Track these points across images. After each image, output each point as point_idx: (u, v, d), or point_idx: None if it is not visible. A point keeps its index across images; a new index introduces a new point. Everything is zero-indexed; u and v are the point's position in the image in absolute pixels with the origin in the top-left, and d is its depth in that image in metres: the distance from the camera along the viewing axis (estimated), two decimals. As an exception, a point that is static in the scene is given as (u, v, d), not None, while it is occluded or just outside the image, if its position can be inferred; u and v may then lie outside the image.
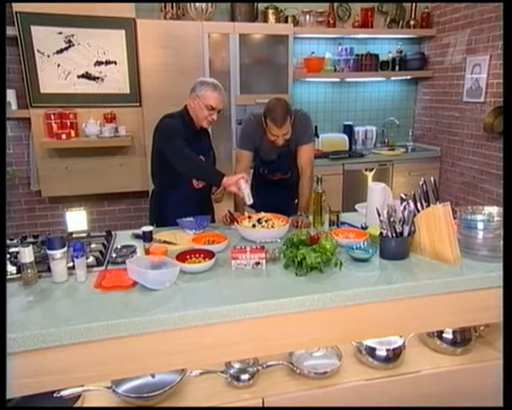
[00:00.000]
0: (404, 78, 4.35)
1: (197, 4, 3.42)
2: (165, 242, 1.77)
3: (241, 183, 1.86)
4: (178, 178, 2.10)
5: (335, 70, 4.01)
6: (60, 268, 1.41)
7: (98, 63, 3.30)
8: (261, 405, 1.44)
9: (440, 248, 1.52)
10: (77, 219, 1.85)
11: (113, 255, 1.63)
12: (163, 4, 3.48)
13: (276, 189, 2.34)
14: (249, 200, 1.88)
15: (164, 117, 2.13)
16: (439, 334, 1.70)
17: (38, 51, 3.14)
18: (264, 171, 2.35)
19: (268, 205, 2.02)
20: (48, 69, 3.19)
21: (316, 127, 4.00)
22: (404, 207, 1.56)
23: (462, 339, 1.69)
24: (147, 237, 1.66)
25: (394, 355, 1.60)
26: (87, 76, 3.30)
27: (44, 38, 3.12)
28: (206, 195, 2.28)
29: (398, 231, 1.56)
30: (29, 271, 1.38)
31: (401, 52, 4.14)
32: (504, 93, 2.16)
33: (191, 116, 2.14)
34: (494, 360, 1.64)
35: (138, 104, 3.44)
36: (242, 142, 2.25)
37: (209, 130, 2.33)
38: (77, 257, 1.41)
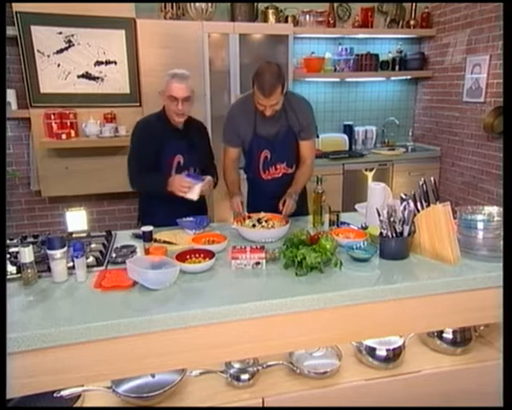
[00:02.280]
0: (404, 78, 4.35)
1: (197, 4, 3.42)
2: (165, 242, 1.77)
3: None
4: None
5: (335, 70, 4.01)
6: (60, 268, 1.41)
7: (98, 63, 3.29)
8: (261, 405, 1.44)
9: (440, 248, 1.52)
10: (77, 219, 1.85)
11: (113, 255, 1.63)
12: (163, 4, 3.47)
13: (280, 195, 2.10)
14: (194, 196, 1.93)
15: (138, 121, 2.12)
16: (439, 334, 1.70)
17: (38, 51, 3.14)
18: (267, 158, 2.16)
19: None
20: (48, 69, 3.19)
21: (316, 127, 4.00)
22: (404, 207, 1.56)
23: (462, 339, 1.69)
24: (147, 237, 1.66)
25: (394, 355, 1.60)
26: (87, 76, 3.29)
27: (44, 38, 3.12)
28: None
29: (398, 231, 1.56)
30: (29, 271, 1.38)
31: (401, 52, 4.15)
32: (504, 93, 2.16)
33: (167, 116, 2.08)
34: (494, 360, 1.64)
35: (138, 104, 3.44)
36: (226, 138, 2.18)
37: (206, 126, 2.27)
38: (77, 257, 1.41)
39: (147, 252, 1.62)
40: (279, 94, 1.92)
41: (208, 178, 2.04)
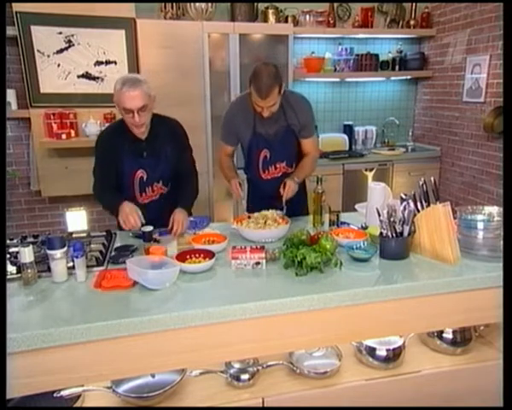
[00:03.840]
0: (404, 78, 4.35)
1: (197, 4, 3.42)
2: None
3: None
4: (124, 195, 1.93)
5: (335, 70, 4.01)
6: (60, 268, 1.41)
7: (98, 63, 3.29)
8: (261, 405, 1.44)
9: (440, 248, 1.52)
10: (77, 219, 1.85)
11: (113, 255, 1.63)
12: (163, 4, 3.47)
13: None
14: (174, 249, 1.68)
15: (100, 133, 2.03)
16: (439, 334, 1.70)
17: (38, 51, 3.14)
18: (266, 158, 2.15)
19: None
20: (48, 69, 3.19)
21: (316, 127, 4.00)
22: (404, 207, 1.56)
23: (462, 339, 1.69)
24: (147, 237, 1.66)
25: (394, 355, 1.60)
26: (87, 76, 3.29)
27: (44, 37, 3.12)
28: (160, 207, 1.98)
29: (398, 231, 1.56)
30: (29, 271, 1.38)
31: (401, 52, 4.15)
32: (504, 93, 2.16)
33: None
34: (494, 360, 1.64)
35: (138, 104, 3.43)
36: (223, 136, 2.20)
37: (181, 125, 2.09)
38: (77, 257, 1.41)
39: (147, 252, 1.62)
40: (276, 95, 1.91)
41: (178, 228, 1.79)
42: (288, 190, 1.96)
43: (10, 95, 3.24)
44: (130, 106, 1.75)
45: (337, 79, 4.17)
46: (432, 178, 1.63)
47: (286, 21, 3.77)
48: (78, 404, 1.40)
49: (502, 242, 1.53)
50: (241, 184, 2.06)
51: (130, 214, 1.73)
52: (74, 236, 1.82)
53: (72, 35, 3.18)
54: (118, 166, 1.94)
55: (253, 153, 2.18)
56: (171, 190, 2.03)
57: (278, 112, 2.06)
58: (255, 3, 3.68)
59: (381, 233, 1.58)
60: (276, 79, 1.89)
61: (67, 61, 3.21)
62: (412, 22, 4.07)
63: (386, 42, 4.21)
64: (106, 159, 1.94)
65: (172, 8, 3.47)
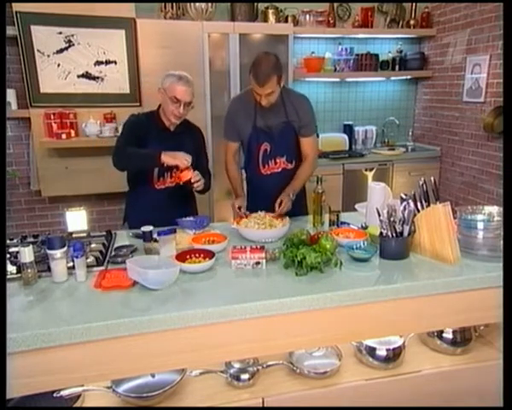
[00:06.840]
0: (404, 78, 4.35)
1: (197, 4, 3.42)
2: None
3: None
4: (140, 179, 2.09)
5: (335, 70, 4.01)
6: (60, 268, 1.41)
7: (98, 63, 3.29)
8: (261, 405, 1.44)
9: (440, 248, 1.52)
10: (77, 219, 1.85)
11: (113, 255, 1.63)
12: (163, 4, 3.47)
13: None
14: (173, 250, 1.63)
15: (131, 116, 2.12)
16: (439, 334, 1.70)
17: (38, 51, 3.14)
18: (266, 151, 2.16)
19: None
20: (48, 69, 3.19)
21: (316, 127, 4.00)
22: (404, 207, 1.56)
23: (462, 339, 1.69)
24: (147, 237, 1.66)
25: (394, 355, 1.60)
26: (87, 76, 3.29)
27: (44, 37, 3.12)
28: (173, 196, 2.11)
29: (398, 230, 1.56)
30: (29, 271, 1.38)
31: (401, 52, 4.15)
32: (504, 93, 2.15)
33: (160, 115, 2.08)
34: (494, 360, 1.64)
35: (138, 104, 3.43)
36: (225, 132, 2.23)
37: (202, 132, 2.26)
38: (77, 257, 1.41)
39: (179, 174, 1.89)
40: (274, 84, 1.93)
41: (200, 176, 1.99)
42: (284, 207, 1.95)
43: (10, 95, 3.24)
44: (182, 98, 1.98)
45: (337, 79, 4.17)
46: (432, 178, 1.63)
47: (286, 21, 3.77)
48: (78, 404, 1.41)
49: (502, 242, 1.53)
50: (240, 207, 2.02)
51: (177, 153, 1.88)
52: (74, 236, 1.82)
53: (72, 35, 3.18)
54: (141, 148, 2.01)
55: (254, 147, 2.19)
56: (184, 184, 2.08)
57: (278, 106, 2.08)
58: (255, 3, 3.68)
59: (381, 233, 1.58)
60: (276, 68, 1.92)
61: (67, 61, 3.21)
62: (412, 22, 4.07)
63: (386, 42, 4.21)
64: (132, 141, 2.00)
65: (172, 8, 3.47)
